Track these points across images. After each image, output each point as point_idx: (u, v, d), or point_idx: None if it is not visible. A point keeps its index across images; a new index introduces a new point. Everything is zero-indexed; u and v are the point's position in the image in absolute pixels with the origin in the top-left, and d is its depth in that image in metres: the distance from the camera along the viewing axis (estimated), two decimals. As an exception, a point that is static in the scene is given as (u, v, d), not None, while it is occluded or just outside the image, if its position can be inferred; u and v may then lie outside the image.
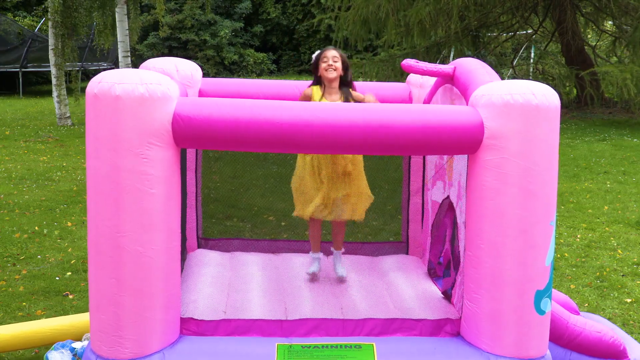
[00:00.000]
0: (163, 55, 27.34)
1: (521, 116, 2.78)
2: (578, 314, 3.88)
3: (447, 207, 3.75)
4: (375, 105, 3.02)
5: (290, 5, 31.81)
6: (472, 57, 6.45)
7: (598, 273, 5.56)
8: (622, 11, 16.37)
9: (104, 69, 20.38)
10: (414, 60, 3.49)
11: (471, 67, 3.30)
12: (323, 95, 3.80)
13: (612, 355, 3.53)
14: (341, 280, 3.86)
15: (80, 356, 3.63)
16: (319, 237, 3.98)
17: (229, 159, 4.65)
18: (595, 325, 3.54)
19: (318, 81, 3.83)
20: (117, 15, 16.01)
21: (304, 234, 4.84)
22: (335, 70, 3.74)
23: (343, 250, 4.02)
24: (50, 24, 14.26)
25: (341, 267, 3.92)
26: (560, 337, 3.44)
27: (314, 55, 3.86)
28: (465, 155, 3.16)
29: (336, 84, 3.79)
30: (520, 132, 2.79)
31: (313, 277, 3.87)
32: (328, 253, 4.29)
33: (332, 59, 3.75)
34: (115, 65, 21.50)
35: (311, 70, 3.89)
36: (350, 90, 3.82)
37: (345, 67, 3.80)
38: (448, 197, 3.72)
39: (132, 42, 17.88)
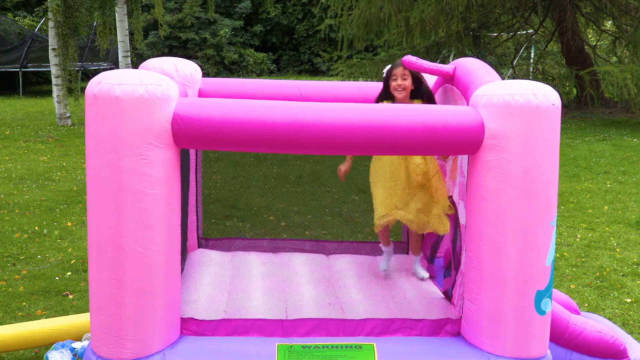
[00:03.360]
0: (163, 54, 27.37)
1: (522, 116, 2.78)
2: (579, 313, 3.88)
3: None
4: (376, 105, 3.02)
5: (290, 5, 31.82)
6: (473, 57, 6.44)
7: (598, 273, 5.56)
8: (622, 11, 16.37)
9: (104, 69, 20.36)
10: (414, 57, 3.48)
11: (472, 66, 3.30)
12: None
13: (613, 355, 3.52)
14: (422, 279, 3.91)
15: (80, 356, 3.63)
16: (388, 233, 4.02)
17: (228, 159, 4.65)
18: (596, 325, 3.54)
19: (389, 96, 3.76)
20: (117, 15, 16.04)
21: (303, 233, 4.84)
22: (404, 89, 3.69)
23: (421, 255, 4.07)
24: (50, 24, 14.28)
25: (421, 270, 3.97)
26: (560, 336, 3.43)
27: (385, 70, 3.80)
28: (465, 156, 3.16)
29: (406, 99, 3.75)
30: (520, 133, 2.79)
31: (386, 275, 3.93)
32: (327, 252, 4.29)
33: (400, 78, 3.69)
34: (115, 65, 21.52)
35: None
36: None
37: (416, 80, 3.72)
38: (451, 197, 3.72)
39: (137, 42, 17.92)
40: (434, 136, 2.84)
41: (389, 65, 3.81)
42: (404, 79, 3.69)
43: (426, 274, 3.93)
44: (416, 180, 3.74)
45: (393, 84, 3.71)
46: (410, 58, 3.46)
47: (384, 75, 3.80)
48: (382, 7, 16.16)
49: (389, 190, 3.79)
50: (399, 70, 3.69)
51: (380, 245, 4.07)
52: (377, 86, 4.28)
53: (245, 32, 30.94)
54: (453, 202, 3.62)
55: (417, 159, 3.74)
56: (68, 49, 14.21)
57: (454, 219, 3.61)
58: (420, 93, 3.73)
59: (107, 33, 15.86)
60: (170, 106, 2.75)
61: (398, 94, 3.71)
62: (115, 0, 15.44)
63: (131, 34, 17.34)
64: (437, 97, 3.78)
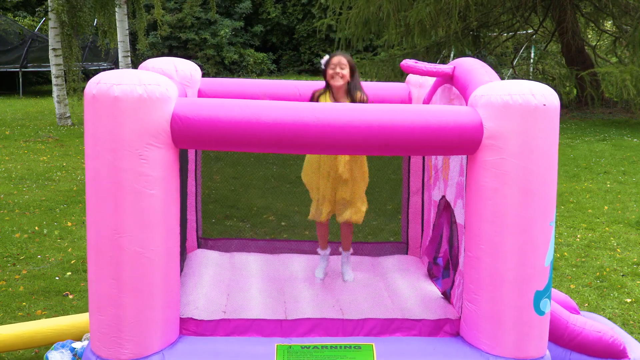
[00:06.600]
0: (163, 54, 27.39)
1: (520, 116, 2.78)
2: (578, 313, 3.88)
3: (443, 207, 3.75)
4: (376, 105, 3.02)
5: (290, 5, 31.83)
6: (472, 57, 6.43)
7: (598, 273, 5.56)
8: (622, 11, 16.38)
9: (104, 69, 20.36)
10: (413, 60, 3.48)
11: (471, 67, 3.30)
12: (331, 100, 3.81)
13: (612, 354, 3.52)
14: (346, 281, 3.88)
15: (80, 356, 3.63)
16: (327, 235, 4.01)
17: (228, 159, 4.65)
18: (595, 325, 3.54)
19: (328, 86, 3.84)
20: (117, 15, 16.06)
21: (303, 233, 4.84)
22: (341, 77, 3.74)
23: (352, 251, 4.04)
24: (51, 23, 14.29)
25: (349, 272, 3.94)
26: (560, 337, 3.43)
27: (322, 61, 3.85)
28: (463, 155, 3.16)
29: (343, 89, 3.79)
30: (519, 133, 2.79)
31: (322, 281, 3.88)
32: (334, 252, 4.29)
33: (338, 67, 3.74)
34: (115, 65, 21.53)
35: (318, 72, 3.86)
36: (359, 93, 3.80)
37: (352, 71, 3.79)
38: (444, 196, 3.72)
39: (140, 42, 17.95)
40: (433, 136, 2.84)
41: (326, 56, 3.85)
42: (342, 68, 3.74)
43: (351, 277, 3.91)
44: (343, 176, 3.78)
45: (330, 72, 3.76)
46: (408, 62, 3.47)
47: (322, 67, 3.84)
48: (381, 6, 16.17)
49: (317, 183, 3.83)
50: (336, 59, 3.76)
51: (318, 249, 4.04)
52: (376, 86, 4.29)
53: (246, 32, 30.95)
54: (447, 202, 3.62)
55: (345, 160, 3.76)
56: (72, 48, 14.24)
57: (449, 218, 3.61)
58: (352, 84, 3.78)
59: (112, 32, 15.89)
60: (169, 106, 2.75)
61: (335, 82, 3.74)
62: (115, 0, 15.46)
63: (131, 34, 17.35)
64: (436, 97, 3.78)
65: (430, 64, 3.47)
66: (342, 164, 3.75)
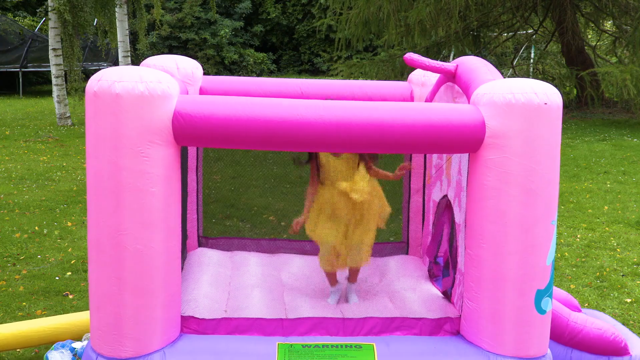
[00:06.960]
0: (163, 54, 27.36)
1: (523, 115, 2.77)
2: (580, 311, 3.88)
3: (444, 206, 3.74)
4: (377, 103, 3.01)
5: (290, 5, 31.85)
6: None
7: (598, 273, 5.56)
8: (622, 11, 16.39)
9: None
10: (416, 55, 3.46)
11: (473, 65, 3.29)
12: None
13: (614, 352, 3.52)
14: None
15: (80, 356, 3.62)
16: (335, 275, 3.75)
17: (228, 159, 4.64)
18: (596, 323, 3.54)
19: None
20: (117, 15, 16.08)
21: (303, 233, 4.83)
22: None
23: (357, 283, 3.82)
24: (51, 23, 14.29)
25: (353, 297, 3.71)
26: (561, 335, 3.43)
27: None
28: (464, 154, 3.15)
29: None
30: (522, 131, 2.78)
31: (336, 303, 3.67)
32: None
33: None
34: (115, 65, 21.50)
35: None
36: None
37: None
38: (446, 196, 3.71)
39: (140, 42, 17.98)
40: (435, 134, 2.83)
41: None
42: None
43: (355, 300, 3.64)
44: (358, 200, 3.43)
45: None
46: (411, 55, 3.44)
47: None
48: (381, 6, 16.17)
49: (332, 228, 3.54)
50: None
51: (329, 288, 3.73)
52: (377, 85, 4.28)
53: (246, 32, 30.96)
54: (449, 201, 3.61)
55: (356, 196, 3.42)
56: (73, 48, 14.25)
57: (450, 217, 3.61)
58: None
59: (112, 32, 15.92)
60: (170, 104, 2.74)
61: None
62: (116, 0, 15.47)
63: (132, 34, 17.37)
64: (438, 95, 3.77)
65: (433, 60, 3.45)
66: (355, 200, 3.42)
